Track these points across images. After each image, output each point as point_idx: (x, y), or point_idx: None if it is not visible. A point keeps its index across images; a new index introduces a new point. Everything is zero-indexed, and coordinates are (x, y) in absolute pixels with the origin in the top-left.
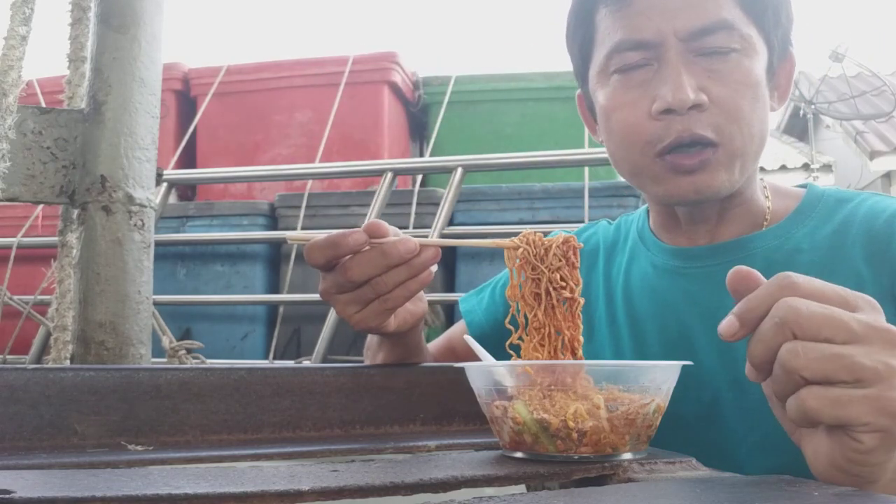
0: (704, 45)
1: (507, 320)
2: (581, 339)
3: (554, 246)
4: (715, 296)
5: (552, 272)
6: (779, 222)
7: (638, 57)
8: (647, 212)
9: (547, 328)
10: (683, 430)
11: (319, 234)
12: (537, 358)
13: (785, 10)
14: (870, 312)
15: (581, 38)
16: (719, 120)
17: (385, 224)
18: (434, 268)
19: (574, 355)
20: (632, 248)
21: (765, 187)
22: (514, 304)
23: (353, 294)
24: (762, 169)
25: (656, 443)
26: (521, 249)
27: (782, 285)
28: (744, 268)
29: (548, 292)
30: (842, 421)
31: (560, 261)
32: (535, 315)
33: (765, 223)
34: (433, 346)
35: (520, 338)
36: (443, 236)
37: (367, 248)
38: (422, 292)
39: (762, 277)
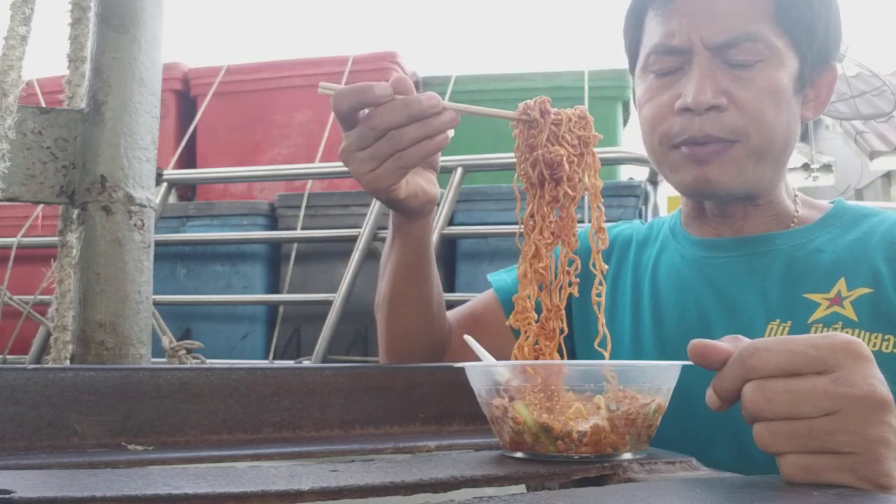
0: (731, 57)
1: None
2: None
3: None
4: (734, 283)
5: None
6: (804, 225)
7: (671, 60)
8: (680, 211)
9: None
10: (700, 412)
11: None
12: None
13: (823, 24)
14: (849, 363)
15: (631, 38)
16: (738, 122)
17: (410, 82)
18: (451, 133)
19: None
20: (662, 242)
21: (796, 196)
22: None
23: (370, 150)
24: None
25: (676, 428)
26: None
27: (746, 367)
28: (699, 343)
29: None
30: (820, 482)
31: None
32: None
33: (792, 225)
34: (454, 314)
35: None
36: (443, 236)
37: (391, 99)
38: (434, 178)
39: (720, 346)
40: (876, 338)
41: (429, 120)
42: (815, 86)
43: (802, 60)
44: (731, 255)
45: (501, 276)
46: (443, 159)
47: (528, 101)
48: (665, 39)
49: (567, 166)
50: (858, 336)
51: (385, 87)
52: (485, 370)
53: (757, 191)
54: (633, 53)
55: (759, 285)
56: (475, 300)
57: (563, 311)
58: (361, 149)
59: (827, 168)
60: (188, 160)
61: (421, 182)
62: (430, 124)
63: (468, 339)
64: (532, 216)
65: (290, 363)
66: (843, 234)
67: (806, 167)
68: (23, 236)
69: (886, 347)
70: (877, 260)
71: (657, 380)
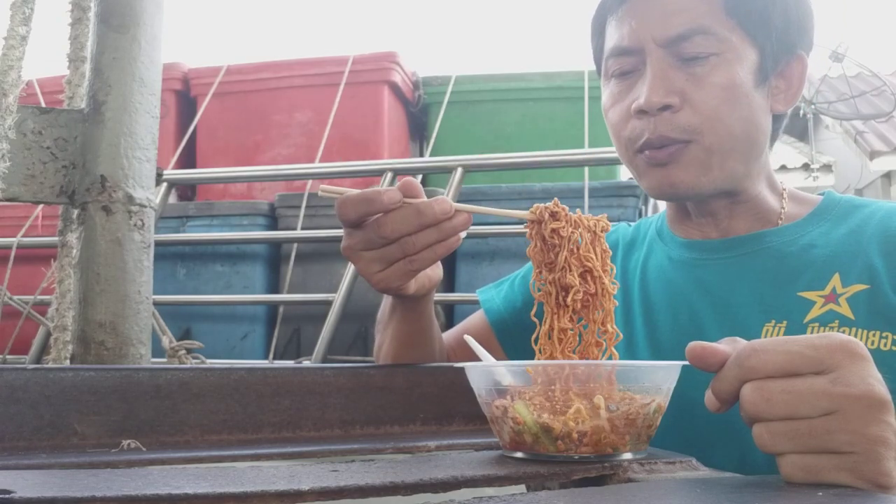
0: (683, 51)
1: (533, 313)
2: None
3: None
4: (727, 285)
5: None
6: (794, 221)
7: (627, 61)
8: (665, 212)
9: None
10: (700, 415)
11: (351, 190)
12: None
13: (779, 13)
14: (847, 363)
15: (595, 46)
16: (692, 120)
17: (419, 184)
18: (463, 234)
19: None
20: (649, 244)
21: (784, 190)
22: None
23: (380, 252)
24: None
25: (677, 431)
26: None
27: (744, 368)
28: (697, 345)
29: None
30: (819, 482)
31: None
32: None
33: (779, 222)
34: (448, 335)
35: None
36: None
37: (401, 205)
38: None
39: (718, 348)
40: (874, 335)
41: (441, 225)
42: (784, 76)
43: (762, 52)
44: (721, 256)
45: (491, 296)
46: (443, 159)
47: (540, 204)
48: (618, 42)
49: (583, 294)
50: (856, 334)
51: (394, 193)
52: (485, 370)
53: (732, 187)
54: (598, 61)
55: (751, 286)
56: (468, 322)
57: None
58: (368, 250)
59: (827, 168)
60: (188, 160)
61: (427, 271)
62: (443, 229)
63: (468, 338)
64: (550, 330)
65: (290, 363)
66: (835, 228)
67: (806, 167)
68: (23, 236)
69: (885, 345)
70: (871, 254)
71: (657, 380)
